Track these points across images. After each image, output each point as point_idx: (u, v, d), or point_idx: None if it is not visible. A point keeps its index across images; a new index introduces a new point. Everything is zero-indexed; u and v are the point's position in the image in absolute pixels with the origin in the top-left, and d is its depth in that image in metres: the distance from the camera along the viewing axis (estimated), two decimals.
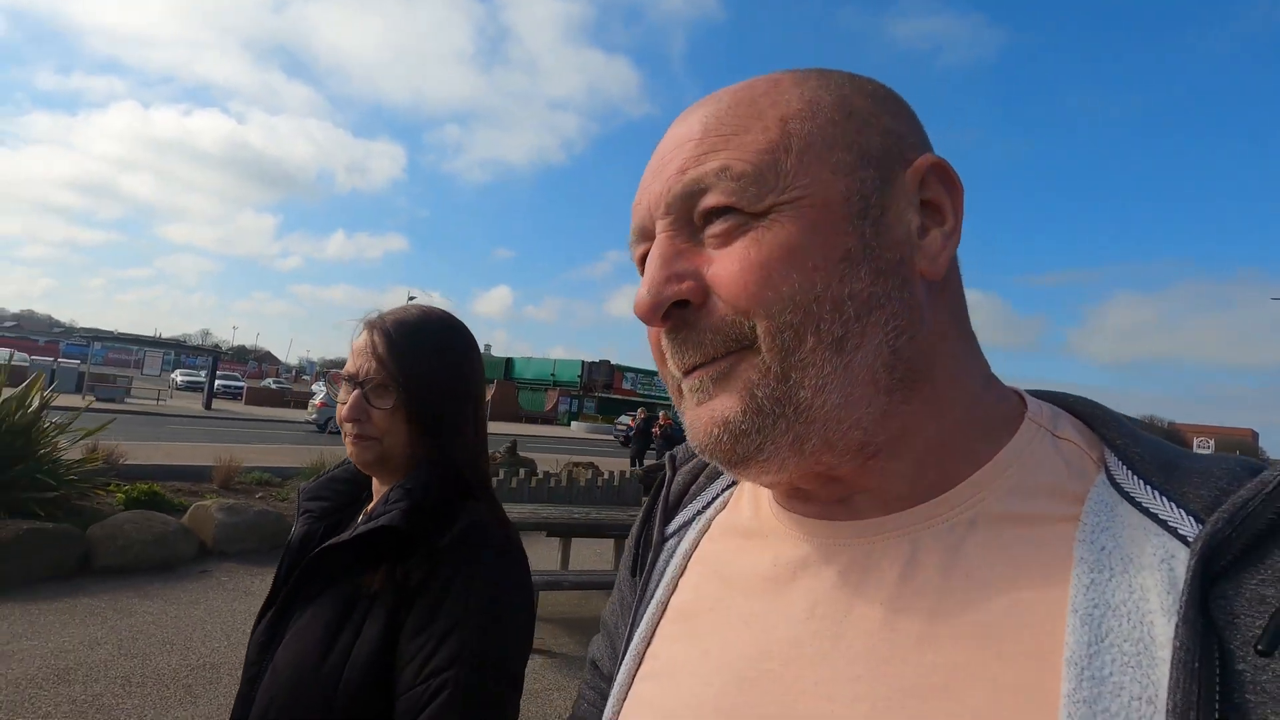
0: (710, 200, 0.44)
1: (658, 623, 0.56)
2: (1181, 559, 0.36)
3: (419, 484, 1.00)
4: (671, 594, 0.57)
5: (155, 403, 27.41)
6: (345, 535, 0.98)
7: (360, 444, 1.04)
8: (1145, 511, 0.39)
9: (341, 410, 1.05)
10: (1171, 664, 0.33)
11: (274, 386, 44.80)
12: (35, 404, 5.63)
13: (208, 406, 28.06)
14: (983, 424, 0.46)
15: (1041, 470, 0.44)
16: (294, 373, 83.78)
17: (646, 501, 0.69)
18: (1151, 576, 0.37)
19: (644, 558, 0.64)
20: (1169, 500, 0.39)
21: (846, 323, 0.42)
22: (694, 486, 0.64)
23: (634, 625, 0.58)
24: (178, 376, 42.50)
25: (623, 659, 0.57)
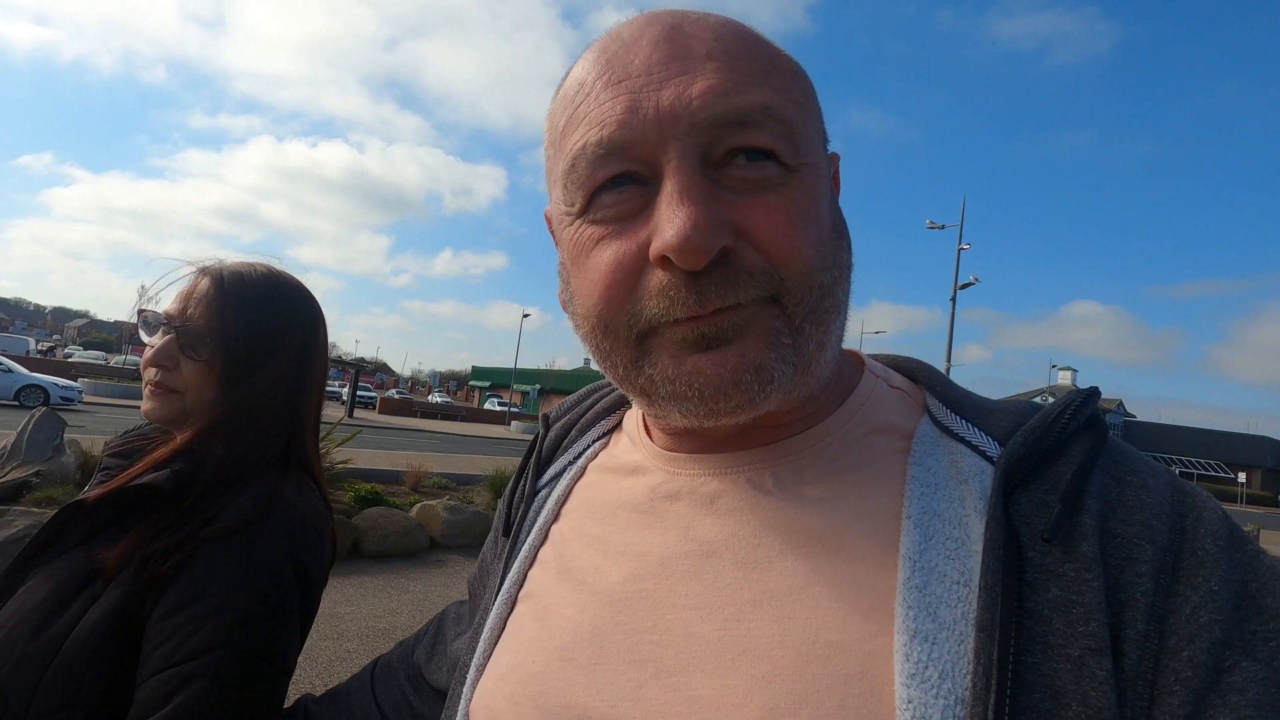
0: (755, 139, 0.42)
1: (529, 567, 0.57)
2: (989, 474, 0.44)
3: (204, 446, 0.88)
4: (545, 539, 0.58)
5: None
6: (94, 492, 0.85)
7: (160, 396, 0.91)
8: (960, 439, 0.47)
9: (147, 354, 0.91)
10: (983, 554, 0.40)
11: (397, 396, 48.48)
12: None
13: (350, 415, 30.82)
14: (843, 372, 0.52)
15: (879, 411, 0.51)
16: (410, 383, 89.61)
17: (521, 462, 0.70)
18: (966, 488, 0.44)
19: (515, 514, 0.64)
20: (979, 430, 0.47)
21: (843, 288, 0.46)
22: (565, 440, 0.67)
23: (504, 576, 0.59)
24: None
25: (492, 607, 0.57)
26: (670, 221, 0.40)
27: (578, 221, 0.46)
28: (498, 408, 50.67)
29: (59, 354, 51.75)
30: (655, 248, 0.41)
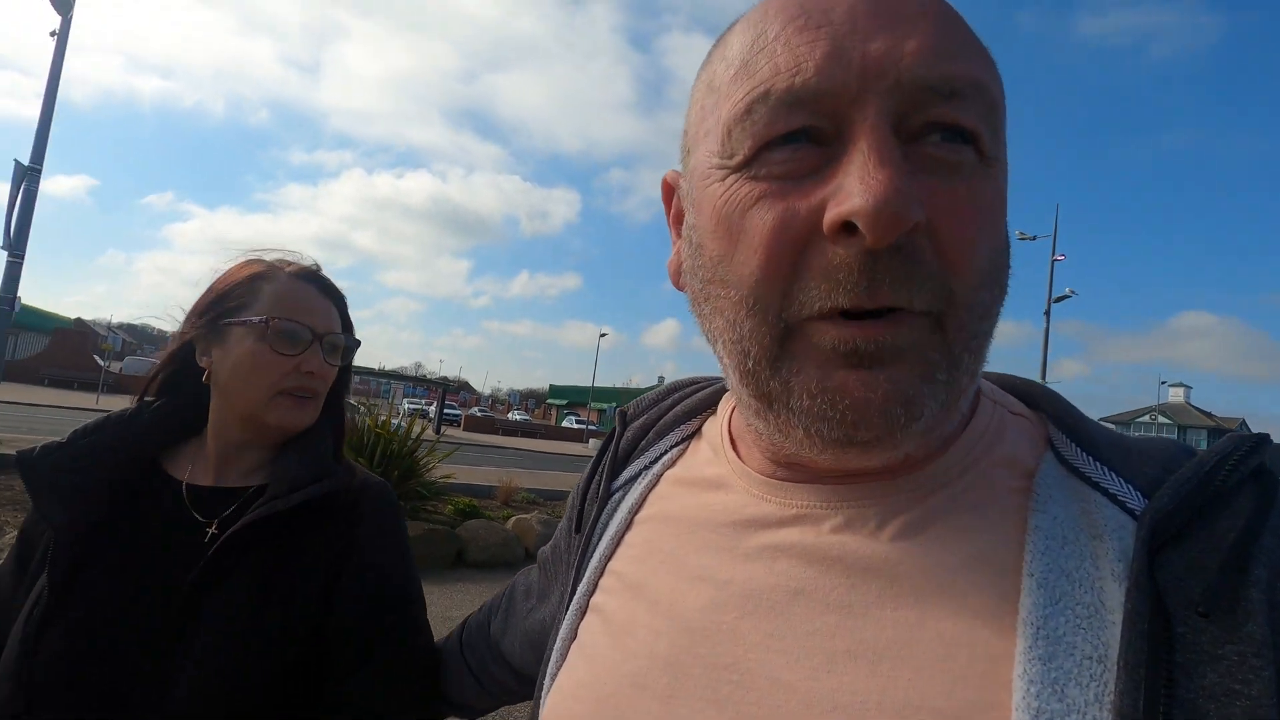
0: (960, 114, 0.36)
1: (600, 576, 0.54)
2: (1129, 530, 0.38)
3: (328, 441, 0.98)
4: (616, 547, 0.55)
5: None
6: (286, 501, 0.87)
7: (309, 407, 0.97)
8: (1093, 484, 0.41)
9: (313, 364, 0.94)
10: (1123, 626, 0.34)
11: (480, 414, 50.22)
12: (416, 433, 7.43)
13: (438, 431, 32.19)
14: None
15: (1000, 445, 0.44)
16: (491, 401, 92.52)
17: (595, 457, 0.67)
18: (1102, 545, 0.38)
19: (588, 512, 0.62)
20: (1117, 475, 0.41)
21: (998, 311, 0.40)
22: (643, 442, 0.63)
23: (577, 579, 0.57)
24: (405, 405, 49.00)
25: (565, 613, 0.56)
26: (865, 182, 0.34)
27: (734, 176, 0.39)
28: (575, 425, 51.51)
29: None
30: (837, 213, 0.35)
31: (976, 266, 0.38)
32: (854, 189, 0.35)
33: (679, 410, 0.62)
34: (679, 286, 0.49)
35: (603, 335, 51.89)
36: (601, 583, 0.54)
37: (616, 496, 0.60)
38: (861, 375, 0.37)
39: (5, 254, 10.22)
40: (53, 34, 11.10)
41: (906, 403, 0.37)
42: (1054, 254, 21.55)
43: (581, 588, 0.55)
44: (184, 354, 1.00)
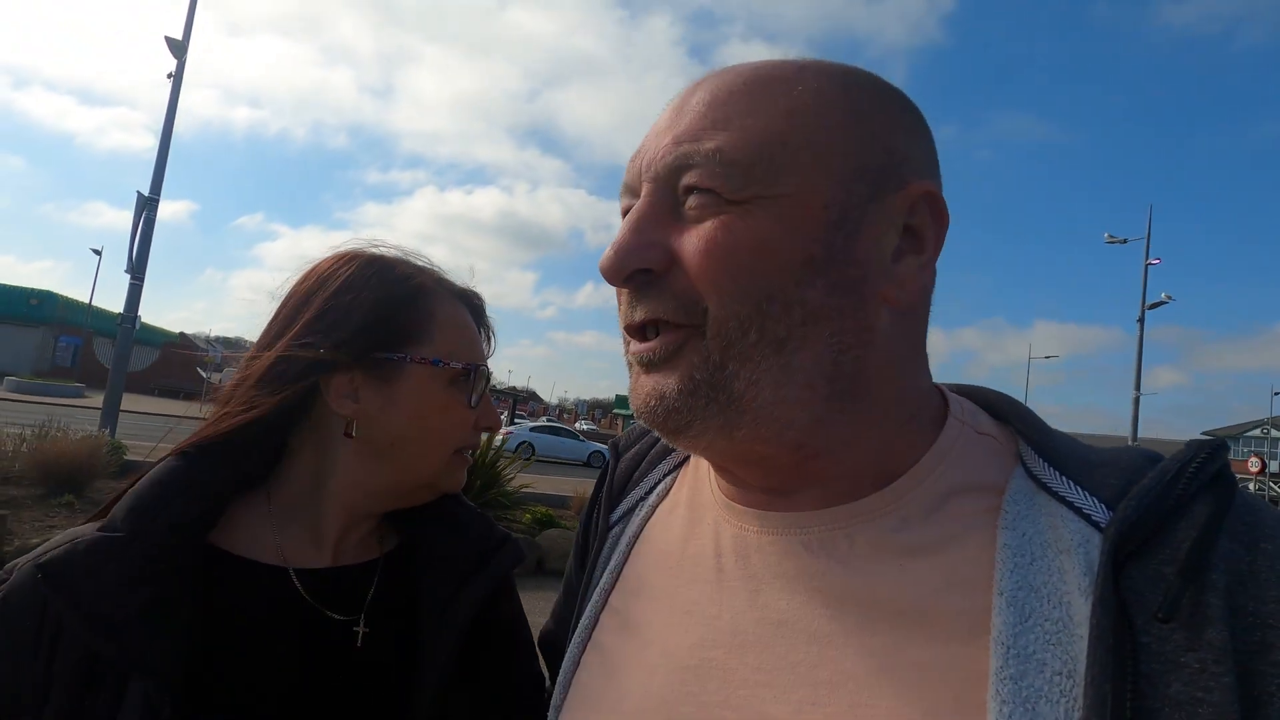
0: (692, 178, 0.45)
1: (600, 611, 0.56)
2: (1095, 543, 0.39)
3: (467, 505, 0.85)
4: (615, 581, 0.57)
5: None
6: (487, 576, 0.78)
7: (465, 465, 0.82)
8: (1060, 499, 0.42)
9: (493, 415, 0.82)
10: (1089, 640, 0.35)
11: (548, 423, 51.09)
12: (497, 443, 7.76)
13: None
14: (916, 425, 0.48)
15: (965, 464, 0.46)
16: (558, 411, 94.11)
17: (593, 490, 0.69)
18: (1069, 560, 0.39)
19: (590, 546, 0.63)
20: (1082, 489, 0.42)
21: (791, 326, 0.43)
22: (637, 472, 0.65)
23: (579, 613, 0.58)
24: None
25: (568, 646, 0.57)
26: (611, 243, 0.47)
27: None
28: None
29: None
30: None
31: (724, 286, 0.44)
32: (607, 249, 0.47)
33: None
34: None
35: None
36: (601, 619, 0.57)
37: (615, 530, 0.62)
38: (645, 376, 0.48)
39: (128, 277, 11.25)
40: (169, 76, 12.19)
41: (660, 398, 0.46)
42: (1147, 257, 20.32)
43: (583, 622, 0.57)
44: (308, 388, 0.73)
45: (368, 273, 0.76)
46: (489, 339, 0.86)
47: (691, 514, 0.56)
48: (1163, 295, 20.20)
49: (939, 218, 0.47)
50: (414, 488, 0.78)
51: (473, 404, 0.78)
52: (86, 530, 0.68)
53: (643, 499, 0.62)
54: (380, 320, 0.74)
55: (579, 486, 10.69)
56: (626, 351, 0.50)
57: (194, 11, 12.00)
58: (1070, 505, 0.42)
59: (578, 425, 58.88)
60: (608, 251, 0.46)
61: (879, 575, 0.43)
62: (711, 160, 0.44)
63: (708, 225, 0.45)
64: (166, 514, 0.67)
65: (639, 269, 0.46)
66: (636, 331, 0.48)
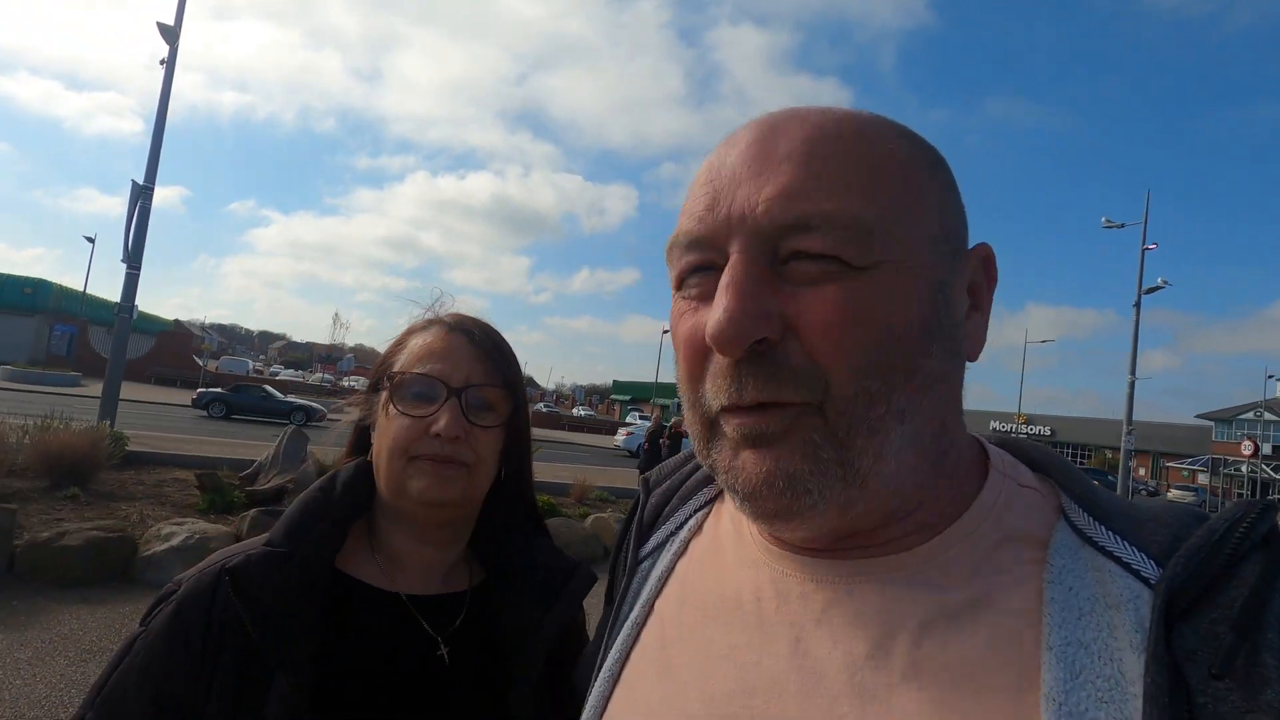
0: (812, 243, 0.42)
1: (630, 649, 0.55)
2: (1145, 599, 0.39)
3: (531, 522, 0.92)
4: (647, 617, 0.56)
5: None
6: (565, 603, 0.86)
7: (454, 476, 0.82)
8: (1106, 554, 0.41)
9: (439, 423, 0.81)
10: (1144, 698, 0.35)
11: (545, 410, 51.24)
12: None
13: None
14: (962, 477, 0.47)
15: (1010, 517, 0.45)
16: (555, 397, 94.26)
17: (621, 525, 0.68)
18: (1118, 615, 0.38)
19: (618, 582, 0.62)
20: (1129, 544, 0.41)
21: (912, 395, 0.42)
22: (667, 508, 0.63)
23: (606, 650, 0.57)
24: None
25: (594, 684, 0.56)
26: (714, 310, 0.42)
27: (676, 294, 0.48)
28: (639, 421, 51.91)
29: (265, 372, 59.84)
30: (705, 334, 0.43)
31: (852, 359, 0.41)
32: (710, 315, 0.43)
33: (700, 474, 0.64)
34: None
35: (665, 333, 51.73)
36: (632, 657, 0.55)
37: (645, 565, 0.61)
38: (754, 452, 0.43)
39: (123, 265, 11.18)
40: (161, 62, 12.03)
41: (789, 478, 0.42)
42: (1144, 242, 20.35)
43: (612, 657, 0.56)
44: (363, 439, 0.92)
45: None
46: (496, 361, 0.89)
47: (728, 553, 0.54)
48: (1159, 280, 20.26)
49: (992, 278, 0.49)
50: (396, 497, 0.84)
51: (415, 414, 0.82)
52: (254, 543, 0.81)
53: (673, 534, 0.61)
54: (383, 359, 0.92)
55: (577, 475, 10.73)
56: (714, 421, 0.45)
57: None
58: (1118, 560, 0.41)
59: (575, 411, 58.93)
60: (720, 320, 0.41)
61: (925, 628, 0.42)
62: (834, 224, 0.41)
63: (831, 293, 0.41)
64: (310, 537, 0.80)
65: (756, 339, 0.42)
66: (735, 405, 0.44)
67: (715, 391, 0.44)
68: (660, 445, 11.94)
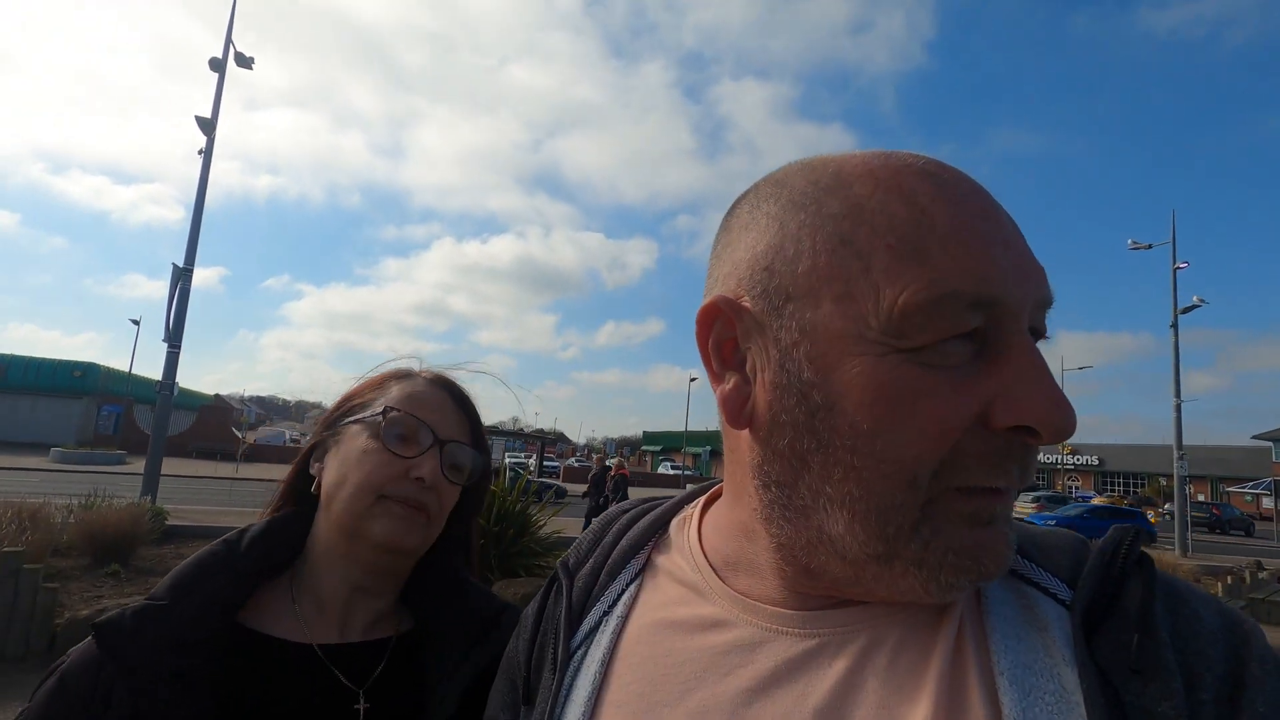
0: (1043, 324, 0.44)
1: None
2: (1065, 619, 0.43)
3: (470, 583, 0.89)
4: (594, 707, 0.52)
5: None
6: (488, 646, 0.81)
7: (418, 523, 0.82)
8: (1027, 580, 0.46)
9: (425, 468, 0.81)
10: (1086, 705, 0.39)
11: (577, 465, 51.10)
12: (529, 488, 7.78)
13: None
14: None
15: None
16: (586, 451, 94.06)
17: (530, 616, 0.64)
18: (1048, 635, 0.43)
19: (542, 680, 0.57)
20: (1044, 570, 0.46)
21: None
22: (596, 587, 0.60)
23: None
24: (506, 459, 50.21)
25: None
26: (1043, 397, 0.40)
27: (898, 356, 0.41)
28: (671, 471, 51.39)
29: (301, 441, 60.53)
30: (1016, 417, 0.40)
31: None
32: (1033, 398, 0.40)
33: (624, 545, 0.61)
34: (736, 424, 0.48)
35: (693, 380, 51.94)
36: None
37: (579, 655, 0.56)
38: (993, 532, 0.43)
39: (165, 345, 11.65)
40: (200, 152, 12.79)
41: (1011, 551, 0.45)
42: (1175, 261, 19.95)
43: None
44: (304, 469, 0.90)
45: (370, 376, 0.93)
46: (473, 425, 0.90)
47: (699, 622, 0.52)
48: (1194, 299, 19.77)
49: None
50: (349, 537, 0.81)
51: (403, 453, 0.81)
52: (137, 600, 0.77)
53: (606, 613, 0.58)
54: (348, 399, 0.89)
55: None
56: (930, 500, 0.42)
57: (221, 88, 12.65)
58: (1037, 585, 0.46)
59: (606, 464, 58.34)
60: (1058, 408, 0.40)
61: (890, 668, 0.44)
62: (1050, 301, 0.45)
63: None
64: (201, 590, 0.76)
65: None
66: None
67: (984, 472, 0.42)
68: (604, 489, 11.83)
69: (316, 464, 0.87)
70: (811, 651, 0.47)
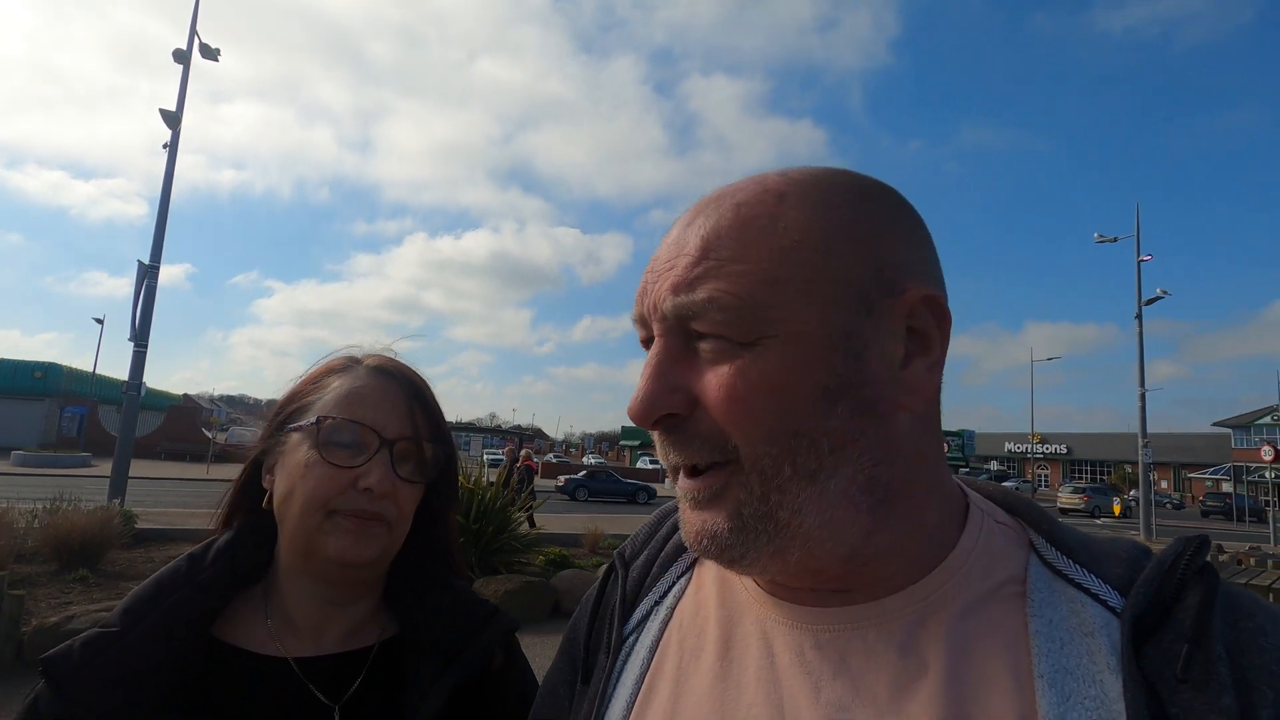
0: (699, 327, 0.46)
1: None
2: (1114, 626, 0.43)
3: (445, 577, 0.85)
4: (639, 692, 0.55)
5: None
6: (473, 653, 0.79)
7: (375, 534, 0.75)
8: (1076, 585, 0.46)
9: (371, 477, 0.74)
10: (1127, 714, 0.39)
11: (554, 460, 50.90)
12: (511, 484, 7.74)
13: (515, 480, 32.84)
14: (948, 518, 0.51)
15: (992, 553, 0.49)
16: (564, 446, 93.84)
17: (590, 600, 0.67)
18: (1094, 642, 0.43)
19: (599, 662, 0.61)
20: (1095, 576, 0.46)
21: (820, 456, 0.44)
22: (649, 578, 0.63)
23: None
24: (484, 456, 49.85)
25: None
26: (637, 389, 0.48)
27: None
28: (650, 465, 51.43)
29: None
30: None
31: (747, 429, 0.45)
32: (634, 394, 0.49)
33: (677, 539, 0.64)
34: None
35: None
36: None
37: (630, 641, 0.60)
38: (693, 514, 0.49)
39: (131, 345, 11.36)
40: (165, 146, 12.45)
41: (712, 537, 0.47)
42: (1139, 254, 20.48)
43: None
44: (254, 478, 0.82)
45: (312, 369, 0.85)
46: (426, 411, 0.82)
47: (725, 614, 0.55)
48: (1157, 290, 20.31)
49: (942, 319, 0.48)
50: (304, 556, 0.76)
51: (344, 464, 0.74)
52: (90, 630, 0.72)
53: (659, 602, 0.61)
54: (288, 401, 0.82)
55: (589, 524, 10.61)
56: (674, 483, 0.50)
57: (186, 81, 12.32)
58: (1087, 591, 0.46)
59: (585, 460, 58.45)
60: (635, 399, 0.48)
61: (933, 664, 0.45)
62: (710, 309, 0.46)
63: (724, 370, 0.45)
64: (159, 610, 0.72)
65: (665, 414, 0.47)
66: (685, 467, 0.49)
67: (665, 460, 0.50)
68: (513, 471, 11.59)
69: (268, 475, 0.80)
70: (824, 645, 0.49)
